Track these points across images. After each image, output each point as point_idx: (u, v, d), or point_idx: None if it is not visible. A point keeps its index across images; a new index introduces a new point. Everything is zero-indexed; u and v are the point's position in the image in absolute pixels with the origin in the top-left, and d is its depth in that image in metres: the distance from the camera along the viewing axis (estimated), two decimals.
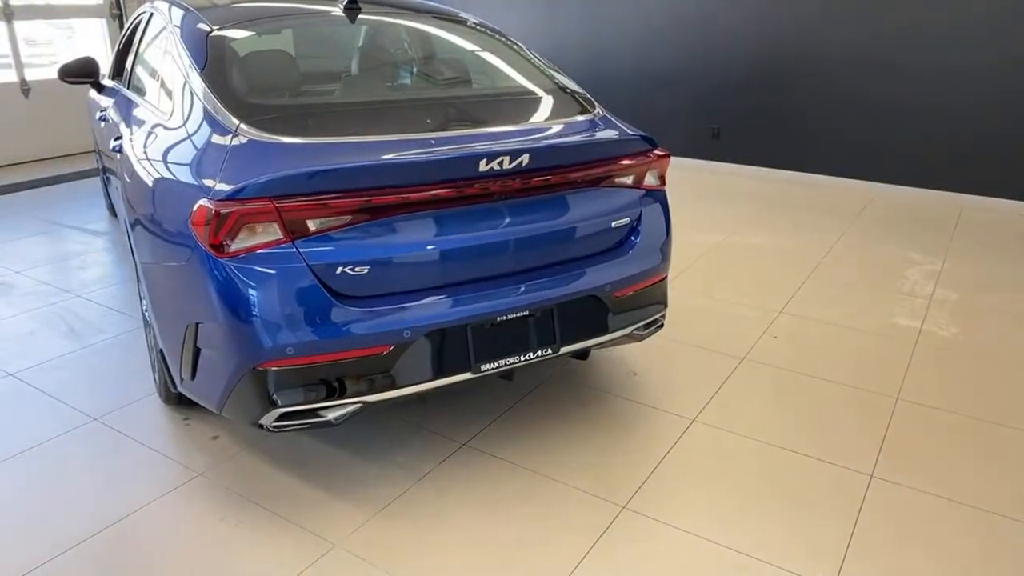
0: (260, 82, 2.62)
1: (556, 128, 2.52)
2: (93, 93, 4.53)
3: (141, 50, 3.43)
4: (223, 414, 2.29)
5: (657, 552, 2.16)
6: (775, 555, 2.14)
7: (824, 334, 3.57)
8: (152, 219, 2.39)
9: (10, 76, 6.65)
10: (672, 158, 6.82)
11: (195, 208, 2.06)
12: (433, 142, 2.24)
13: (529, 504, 2.35)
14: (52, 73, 6.80)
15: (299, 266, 2.06)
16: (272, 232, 2.04)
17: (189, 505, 2.34)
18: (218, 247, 2.04)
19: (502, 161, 2.19)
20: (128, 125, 2.96)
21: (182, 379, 2.42)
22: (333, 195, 2.05)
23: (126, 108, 3.19)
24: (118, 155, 2.92)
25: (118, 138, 2.97)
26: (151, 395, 2.95)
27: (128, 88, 3.47)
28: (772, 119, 6.36)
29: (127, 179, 2.67)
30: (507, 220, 2.29)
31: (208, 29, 2.75)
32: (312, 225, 2.06)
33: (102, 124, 3.81)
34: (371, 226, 2.11)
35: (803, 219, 5.38)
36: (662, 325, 2.79)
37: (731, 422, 2.82)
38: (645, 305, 2.65)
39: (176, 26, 2.87)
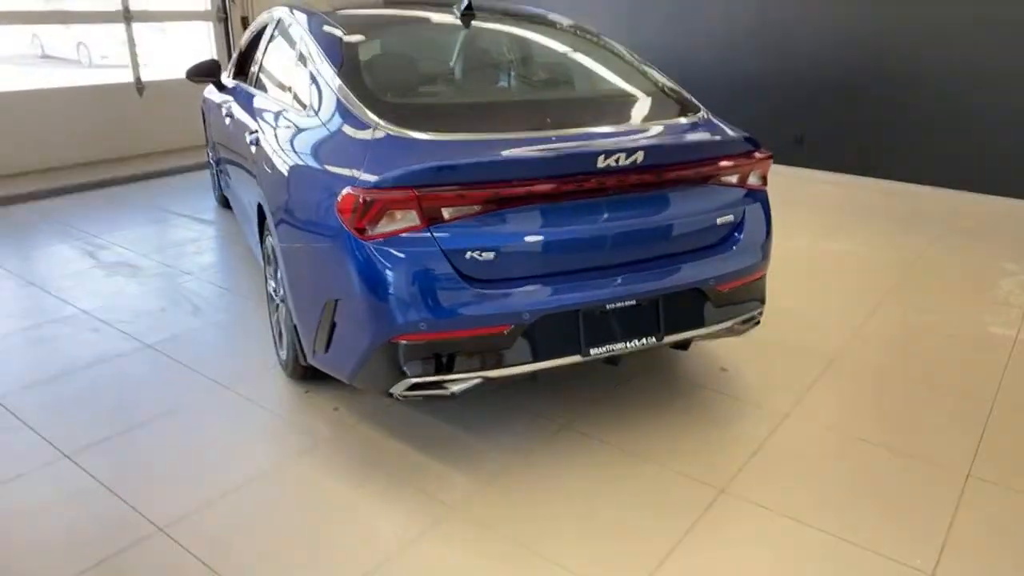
0: (390, 82, 2.84)
1: (666, 128, 2.66)
2: (212, 92, 4.88)
3: (270, 53, 3.71)
4: (355, 383, 2.51)
5: (754, 532, 2.27)
6: (870, 540, 2.23)
7: (915, 339, 3.59)
8: (295, 205, 2.63)
9: (127, 76, 7.15)
10: None
11: (342, 195, 2.28)
12: (553, 139, 2.41)
13: (632, 483, 2.49)
14: (161, 74, 7.29)
15: (433, 250, 2.25)
16: (410, 219, 2.24)
17: (314, 468, 2.56)
18: (362, 231, 2.26)
19: (618, 158, 2.34)
20: (263, 121, 3.22)
21: (314, 352, 2.65)
22: (466, 186, 2.24)
23: (258, 105, 3.47)
24: (254, 148, 3.19)
25: (253, 132, 3.24)
26: (274, 368, 3.20)
27: (256, 87, 3.76)
28: (856, 125, 6.32)
29: (266, 169, 2.93)
30: (619, 214, 2.44)
31: (341, 34, 3.00)
32: (446, 213, 2.25)
33: (227, 120, 4.12)
34: (498, 216, 2.29)
35: (890, 226, 5.35)
36: (759, 322, 2.89)
37: (824, 418, 2.89)
38: (745, 300, 2.76)
39: (309, 31, 3.12)
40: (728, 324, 2.72)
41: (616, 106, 2.92)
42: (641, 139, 2.50)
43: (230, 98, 4.25)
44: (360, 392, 2.97)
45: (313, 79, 2.88)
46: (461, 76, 3.18)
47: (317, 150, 2.60)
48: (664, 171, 2.47)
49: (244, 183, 3.61)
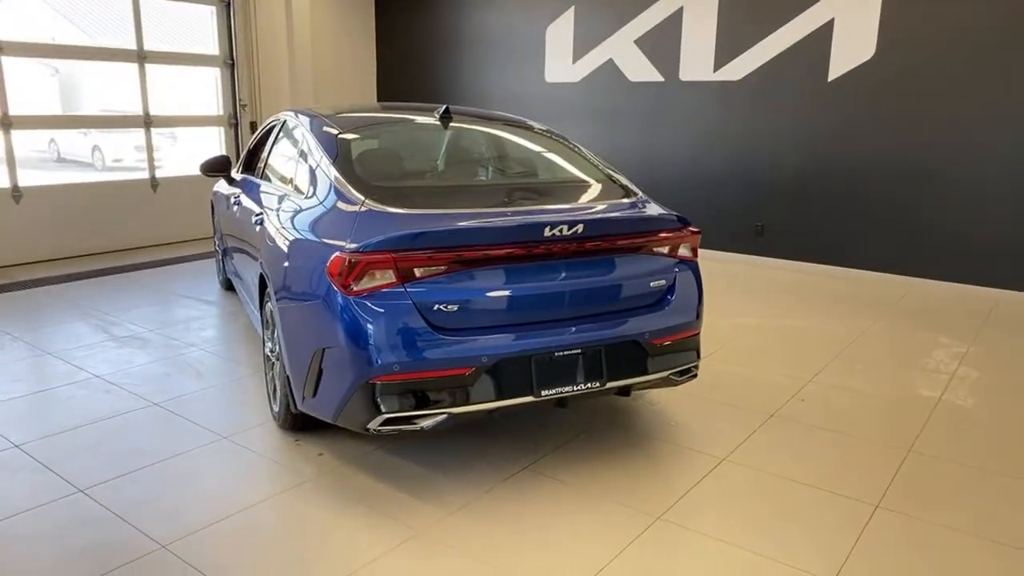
0: (376, 169, 3.39)
1: (605, 206, 3.17)
2: (222, 186, 5.46)
3: (276, 149, 4.29)
4: (338, 422, 2.89)
5: (685, 552, 2.60)
6: (786, 557, 2.56)
7: (848, 399, 3.98)
8: (292, 272, 3.09)
9: (144, 174, 7.81)
10: (717, 252, 7.40)
11: (331, 259, 2.75)
12: (508, 214, 2.91)
13: (578, 512, 2.83)
14: (173, 172, 7.94)
15: (407, 303, 2.70)
16: (388, 277, 2.70)
17: (300, 500, 2.90)
18: (347, 287, 2.71)
19: (561, 228, 2.83)
20: (268, 205, 3.74)
21: (304, 397, 3.04)
22: (434, 250, 2.71)
23: (264, 192, 4.00)
24: (258, 227, 3.69)
25: (258, 214, 3.76)
26: (267, 422, 3.57)
27: (262, 179, 4.31)
28: (813, 216, 6.91)
29: (269, 244, 3.42)
30: (565, 275, 2.91)
31: (336, 131, 3.56)
32: (418, 272, 2.71)
33: (234, 208, 4.66)
34: (461, 275, 2.75)
35: (840, 307, 5.82)
36: (695, 375, 3.30)
37: (756, 462, 3.25)
38: (679, 353, 3.18)
39: (311, 130, 3.69)
40: (664, 374, 3.13)
41: (566, 190, 3.46)
42: (582, 214, 3.00)
43: (238, 190, 4.81)
44: (342, 441, 3.33)
45: (312, 169, 3.41)
46: (436, 166, 3.75)
47: (312, 225, 3.09)
48: (601, 240, 2.96)
49: (248, 260, 4.10)
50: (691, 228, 3.25)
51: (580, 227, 2.86)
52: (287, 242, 3.21)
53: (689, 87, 7.46)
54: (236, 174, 5.20)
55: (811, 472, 3.17)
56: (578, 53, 8.15)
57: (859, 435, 3.54)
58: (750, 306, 5.83)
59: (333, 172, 3.21)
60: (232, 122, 8.48)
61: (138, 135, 7.76)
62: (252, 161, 5.12)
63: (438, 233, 2.73)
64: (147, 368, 4.33)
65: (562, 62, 8.29)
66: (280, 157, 4.15)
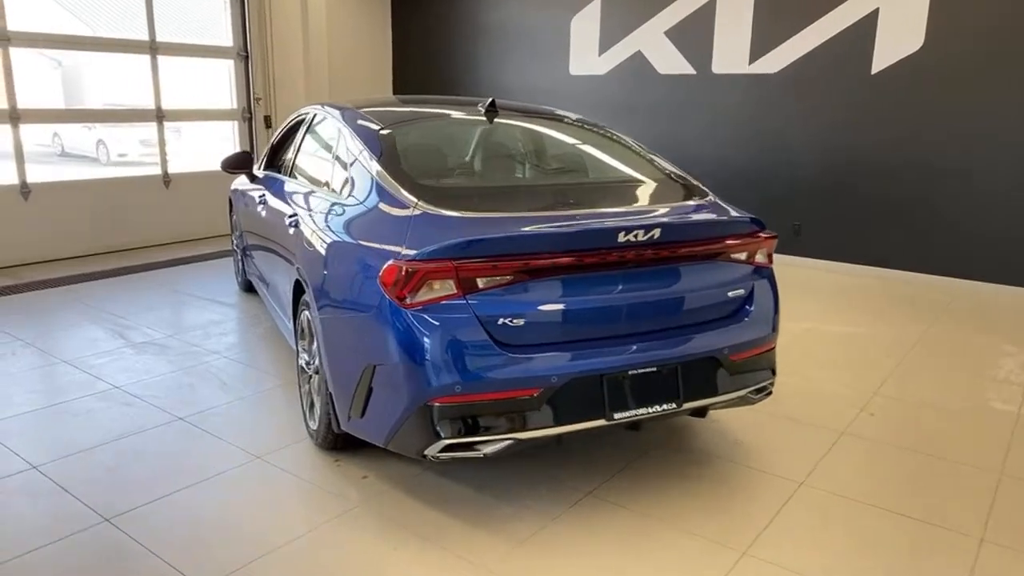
0: (425, 168, 3.12)
1: (676, 207, 2.89)
2: (242, 183, 5.19)
3: (306, 145, 4.02)
4: (390, 446, 2.63)
5: None
6: None
7: (921, 414, 3.72)
8: (336, 279, 2.82)
9: (155, 170, 7.54)
10: None
11: (384, 267, 2.48)
12: (577, 217, 2.64)
13: (655, 546, 2.57)
14: (185, 167, 7.67)
15: (469, 317, 2.43)
16: (448, 288, 2.44)
17: (348, 531, 2.64)
18: (402, 299, 2.44)
19: (637, 234, 2.56)
20: (303, 205, 3.47)
21: (349, 418, 2.78)
22: (499, 258, 2.44)
23: (297, 192, 3.73)
24: (292, 230, 3.42)
25: (292, 216, 3.49)
26: (302, 440, 3.31)
27: (291, 176, 4.04)
28: (853, 216, 6.64)
29: (307, 248, 3.15)
30: (639, 285, 2.64)
31: (377, 126, 3.29)
32: (480, 283, 2.45)
33: (259, 208, 4.39)
34: (528, 285, 2.48)
35: (889, 311, 5.55)
36: (771, 392, 3.03)
37: (839, 487, 2.99)
38: (757, 370, 2.91)
39: (347, 125, 3.42)
40: (742, 392, 2.86)
41: (630, 190, 3.18)
42: (656, 217, 2.73)
43: (262, 188, 4.54)
44: (388, 461, 3.07)
45: (353, 167, 3.14)
46: (486, 164, 3.46)
47: (358, 229, 2.82)
48: (678, 246, 2.69)
49: (278, 264, 3.83)
50: (767, 232, 2.98)
51: (657, 231, 2.59)
52: (330, 247, 2.95)
53: (722, 80, 7.18)
54: (258, 171, 4.93)
55: (901, 499, 2.90)
56: (604, 45, 7.87)
57: (941, 455, 3.27)
58: (795, 309, 5.55)
59: (378, 171, 2.94)
60: (246, 116, 8.21)
61: (143, 129, 7.49)
62: (276, 158, 4.86)
63: (503, 239, 2.47)
64: (168, 378, 4.07)
65: (587, 54, 8.01)
66: (312, 154, 3.88)
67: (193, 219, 7.73)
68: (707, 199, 3.05)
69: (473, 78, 8.95)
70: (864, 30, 6.33)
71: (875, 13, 6.27)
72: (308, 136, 4.05)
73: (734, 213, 2.95)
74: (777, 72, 6.84)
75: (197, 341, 4.69)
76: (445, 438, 2.45)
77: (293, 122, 4.60)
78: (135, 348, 4.53)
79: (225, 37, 7.98)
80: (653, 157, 3.49)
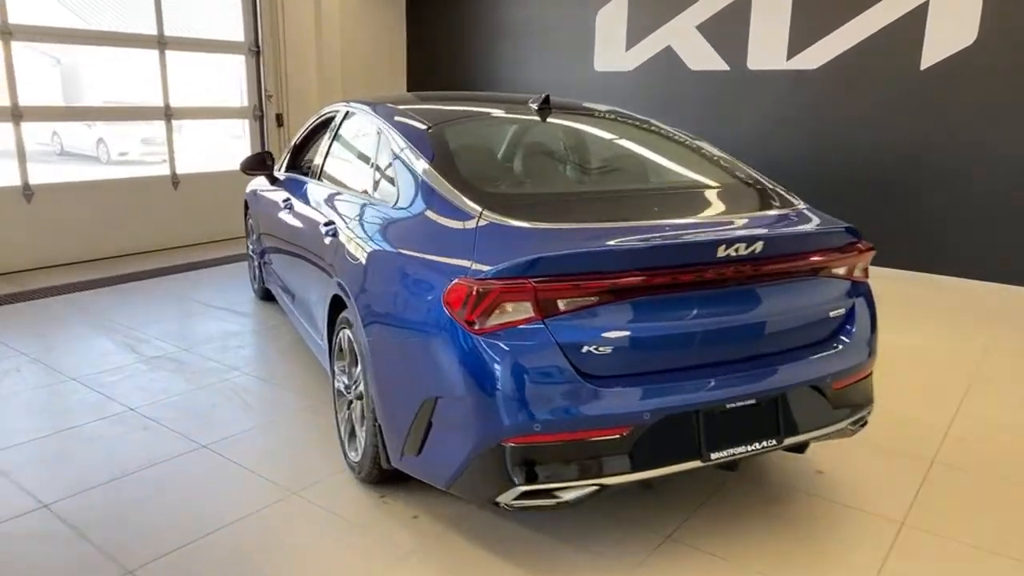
0: (484, 172, 2.79)
1: (774, 217, 2.57)
2: (260, 184, 4.87)
3: (339, 146, 3.69)
4: (453, 491, 2.31)
5: None
6: None
7: (1011, 438, 3.40)
8: (388, 297, 2.50)
9: (162, 170, 7.21)
10: None
11: (450, 286, 2.16)
12: (667, 228, 2.32)
13: None
14: (194, 167, 7.34)
15: (549, 344, 2.11)
16: (524, 310, 2.12)
17: None
18: (472, 323, 2.12)
19: (737, 248, 2.24)
20: (342, 213, 3.14)
21: (403, 455, 2.46)
22: (583, 276, 2.12)
23: (332, 198, 3.40)
24: (329, 239, 3.10)
25: (329, 224, 3.16)
26: (340, 472, 2.99)
27: (322, 180, 3.72)
28: (900, 219, 6.32)
29: (349, 261, 2.82)
30: (737, 306, 2.32)
31: (424, 126, 2.96)
32: (562, 304, 2.13)
33: (284, 213, 4.06)
34: (616, 307, 2.16)
35: (951, 321, 5.23)
36: (867, 422, 2.72)
37: (946, 528, 2.67)
38: (858, 398, 2.60)
39: (390, 124, 3.09)
40: (844, 424, 2.55)
41: (714, 197, 2.85)
42: (756, 229, 2.40)
43: (284, 190, 4.22)
44: (439, 497, 2.75)
45: (398, 170, 2.82)
46: (550, 167, 3.13)
47: (413, 240, 2.50)
48: (780, 262, 2.37)
49: (310, 275, 3.51)
50: (864, 243, 2.66)
51: (758, 245, 2.27)
52: (378, 260, 2.62)
53: (758, 77, 6.86)
54: (279, 172, 4.61)
55: (1014, 543, 2.58)
56: (632, 40, 7.54)
57: None
58: None
59: (431, 175, 2.62)
60: (257, 114, 7.88)
61: (144, 127, 7.18)
62: (299, 159, 4.54)
63: (588, 255, 2.15)
64: (187, 398, 3.74)
65: (614, 49, 7.68)
66: (345, 156, 3.56)
67: (203, 222, 7.40)
68: (799, 207, 2.72)
69: (492, 75, 8.63)
70: (913, 24, 6.01)
71: (924, 6, 5.95)
72: (339, 136, 3.73)
73: (832, 223, 2.63)
74: (818, 68, 6.51)
75: (215, 355, 4.36)
76: (521, 484, 2.13)
77: (319, 121, 4.28)
78: (148, 363, 4.21)
79: (236, 32, 7.65)
80: (732, 161, 3.17)
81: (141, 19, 6.81)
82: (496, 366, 2.10)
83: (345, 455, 3.02)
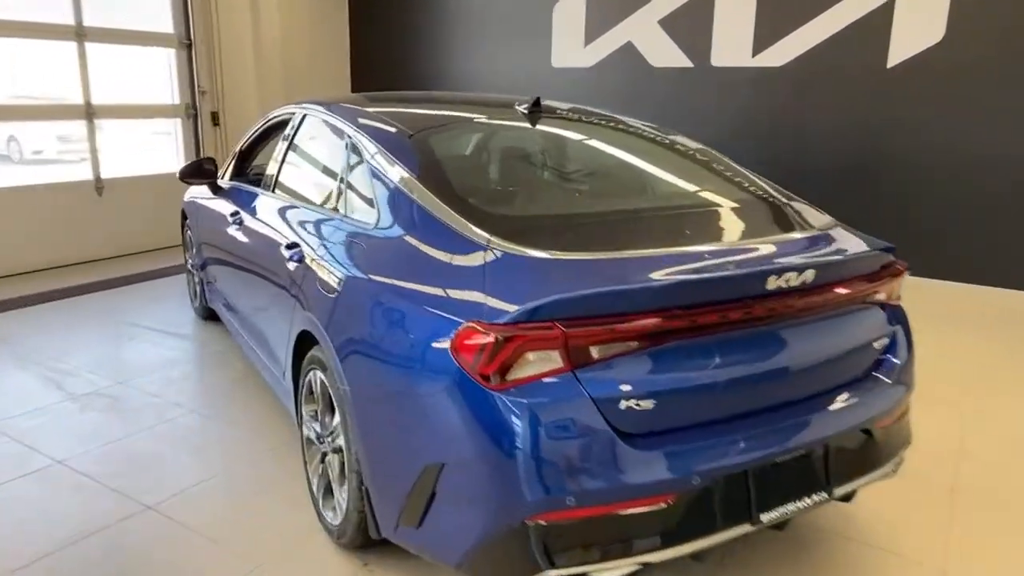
0: (484, 189, 2.42)
1: (816, 240, 2.28)
2: (202, 195, 4.37)
3: (298, 154, 3.26)
4: (462, 571, 1.95)
5: None
6: None
7: None
8: (376, 339, 2.11)
9: (86, 173, 6.55)
10: None
11: (460, 331, 1.80)
12: (708, 257, 2.00)
13: None
14: (120, 171, 6.69)
15: (581, 399, 1.77)
16: (551, 360, 1.77)
17: None
18: (488, 377, 1.77)
19: (789, 278, 1.94)
20: (308, 233, 2.72)
21: (398, 525, 2.09)
22: (621, 318, 1.79)
23: (290, 214, 2.98)
24: (293, 264, 2.68)
25: (293, 247, 2.73)
26: (314, 533, 2.59)
27: (277, 192, 3.28)
28: (866, 219, 6.21)
29: (321, 292, 2.42)
30: (784, 345, 2.03)
31: (404, 132, 2.58)
32: (595, 352, 1.79)
33: (231, 227, 3.60)
34: (657, 353, 1.84)
35: (952, 328, 5.11)
36: (904, 460, 2.48)
37: (991, 573, 2.46)
38: (902, 435, 2.35)
39: (361, 131, 2.69)
40: (889, 467, 2.29)
41: (745, 216, 2.53)
42: (804, 254, 2.12)
43: (233, 203, 3.75)
44: (433, 567, 2.38)
45: (379, 186, 2.42)
46: (557, 183, 2.75)
47: (404, 271, 2.12)
48: (828, 291, 2.09)
49: (268, 303, 3.07)
50: (900, 262, 2.41)
51: (811, 273, 1.98)
52: (363, 295, 2.22)
53: (722, 74, 6.66)
54: (223, 180, 4.13)
55: None
56: (591, 35, 7.25)
57: None
58: None
59: (422, 192, 2.24)
60: (191, 112, 7.26)
61: (61, 124, 6.53)
62: (245, 165, 4.07)
63: (628, 292, 1.81)
64: (126, 445, 3.25)
65: (572, 45, 7.38)
66: (307, 166, 3.14)
67: (132, 231, 6.76)
68: (834, 226, 2.45)
69: (442, 72, 8.21)
70: (879, 20, 5.90)
71: (891, 2, 5.84)
72: (296, 142, 3.29)
73: (872, 242, 2.36)
74: (783, 65, 6.35)
75: (155, 389, 3.86)
76: (549, 568, 1.79)
77: (269, 124, 3.83)
78: (78, 402, 3.68)
79: (164, 23, 7.01)
80: (747, 173, 2.89)
81: (56, 7, 6.13)
82: (517, 429, 1.75)
83: (320, 514, 2.61)
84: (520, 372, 1.77)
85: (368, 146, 2.59)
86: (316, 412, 2.60)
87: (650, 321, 1.80)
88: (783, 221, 2.49)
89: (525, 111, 2.86)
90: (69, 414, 3.55)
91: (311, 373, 2.57)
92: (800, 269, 1.96)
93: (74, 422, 3.46)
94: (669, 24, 6.81)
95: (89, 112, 6.43)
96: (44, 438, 3.29)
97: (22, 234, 6.04)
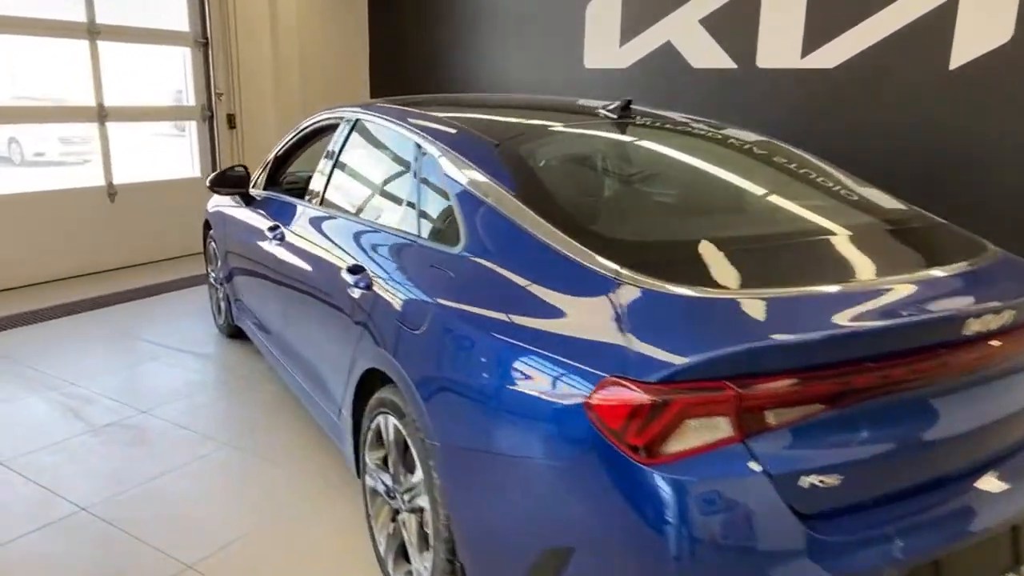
0: (595, 208, 2.08)
1: (995, 273, 1.93)
2: (228, 204, 4.03)
3: (350, 162, 2.92)
4: None
5: None
6: None
7: None
8: (480, 390, 1.76)
9: (93, 178, 6.20)
10: None
11: (600, 388, 1.46)
12: (886, 293, 1.66)
13: None
14: (132, 176, 6.35)
15: (755, 477, 1.43)
16: (718, 428, 1.43)
17: None
18: (637, 449, 1.43)
19: (988, 321, 1.61)
20: (371, 255, 2.38)
21: None
22: (804, 374, 1.45)
23: (348, 232, 2.63)
24: (358, 292, 2.33)
25: (356, 271, 2.39)
26: None
27: (323, 205, 2.94)
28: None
29: (400, 327, 2.07)
30: (976, 402, 1.70)
31: (491, 141, 2.24)
32: (772, 417, 1.45)
33: (271, 243, 3.26)
34: (844, 415, 1.51)
35: None
36: None
37: None
38: None
39: (433, 138, 2.36)
40: None
41: (909, 244, 2.12)
42: (995, 293, 1.77)
43: (269, 216, 3.41)
44: None
45: (465, 203, 2.08)
46: (677, 201, 2.31)
47: (512, 308, 1.77)
48: (1017, 334, 1.75)
49: (320, 330, 2.73)
50: None
51: (1009, 315, 1.65)
52: (460, 335, 1.87)
53: (769, 76, 6.32)
54: (256, 190, 3.80)
55: None
56: (627, 34, 6.91)
57: None
58: None
59: (523, 213, 1.91)
60: (206, 115, 6.92)
61: (64, 125, 6.20)
62: (280, 173, 3.74)
63: (814, 342, 1.47)
64: (156, 487, 2.91)
65: (606, 45, 7.04)
66: (366, 178, 2.81)
67: (145, 239, 6.42)
68: (996, 253, 2.10)
69: (467, 73, 7.88)
70: (941, 19, 5.56)
71: (954, 1, 5.51)
72: (349, 151, 2.95)
73: None
74: (836, 67, 6.02)
75: (183, 419, 3.52)
76: None
77: (310, 129, 3.49)
78: (99, 435, 3.34)
79: (180, 20, 6.67)
80: (879, 191, 2.55)
81: (67, 4, 5.79)
82: (676, 514, 1.41)
83: (387, 573, 2.27)
84: (680, 443, 1.43)
85: (444, 157, 2.25)
86: (385, 461, 2.26)
87: (839, 377, 1.46)
88: (949, 248, 2.14)
89: (616, 117, 2.52)
90: (91, 450, 3.20)
91: (380, 417, 2.23)
92: (996, 310, 1.62)
93: (97, 459, 3.12)
94: (711, 23, 6.48)
95: (101, 114, 6.08)
96: (65, 479, 2.95)
97: (31, 244, 5.70)
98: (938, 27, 5.59)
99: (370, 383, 2.31)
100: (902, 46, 5.74)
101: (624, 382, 1.44)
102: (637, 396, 1.41)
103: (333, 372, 2.62)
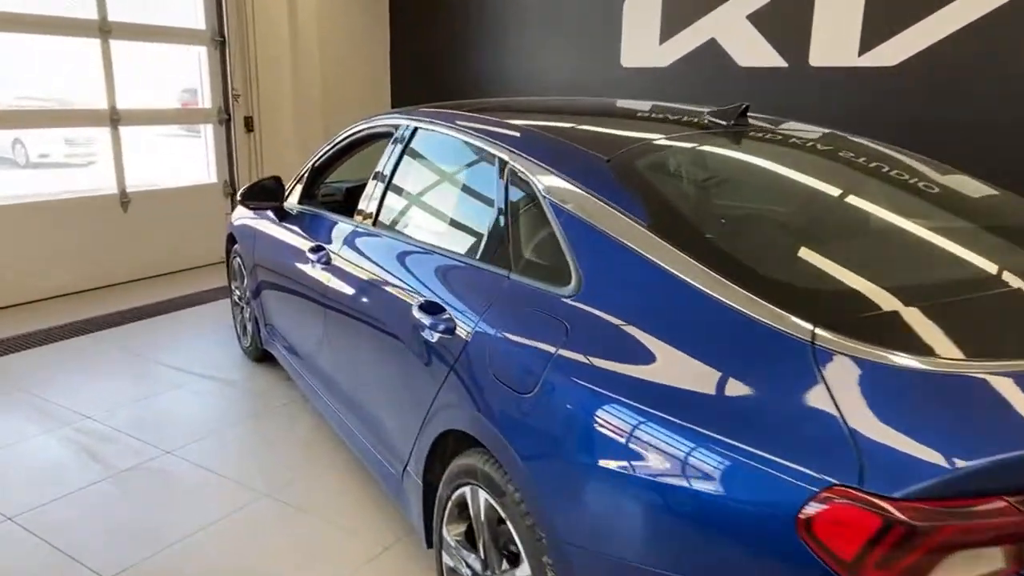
0: (758, 246, 1.67)
1: None
2: (256, 218, 3.66)
3: (410, 180, 2.54)
4: None
5: None
6: None
7: None
8: (635, 483, 1.37)
9: (105, 184, 5.84)
10: None
11: (827, 504, 1.08)
12: None
13: None
14: (146, 182, 5.99)
15: None
16: (989, 559, 1.05)
17: None
18: None
19: None
20: (455, 293, 2.00)
21: None
22: None
23: (418, 263, 2.24)
24: (440, 335, 1.95)
25: (434, 311, 2.00)
26: None
27: (376, 226, 2.57)
28: None
29: (501, 385, 1.69)
30: None
31: (600, 156, 1.86)
32: None
33: (314, 267, 2.88)
34: None
35: None
36: None
37: None
38: None
39: (524, 152, 1.98)
40: None
41: None
42: None
43: (309, 235, 3.04)
44: None
45: (577, 235, 1.70)
46: (842, 235, 1.81)
47: (661, 374, 1.39)
48: None
49: (381, 373, 2.35)
50: None
51: None
52: (586, 404, 1.48)
53: (823, 75, 5.94)
54: (291, 203, 3.42)
55: None
56: (668, 31, 6.53)
57: None
58: None
59: (665, 252, 1.52)
60: (223, 118, 6.55)
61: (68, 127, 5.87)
62: (317, 186, 3.37)
63: None
64: (189, 548, 2.54)
65: (645, 42, 6.66)
66: (436, 197, 2.43)
67: (159, 250, 6.07)
68: None
69: (494, 73, 7.50)
70: (1016, 13, 5.18)
71: None
72: (408, 164, 2.57)
73: None
74: (897, 65, 5.63)
75: (212, 461, 3.15)
76: None
77: (353, 137, 3.12)
78: (120, 484, 2.97)
79: (196, 17, 6.30)
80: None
81: (77, 1, 5.41)
82: None
83: None
84: None
85: (543, 176, 1.87)
86: (470, 538, 1.89)
87: None
88: None
89: (731, 125, 2.14)
90: (112, 502, 2.83)
91: (466, 488, 1.86)
92: None
93: (120, 514, 2.75)
94: (760, 19, 6.09)
95: (114, 118, 5.71)
96: (85, 541, 2.58)
97: (39, 256, 5.34)
98: (1013, 21, 5.20)
99: (449, 443, 1.94)
100: (972, 42, 5.36)
101: (859, 494, 1.07)
102: (884, 516, 1.04)
103: (397, 423, 2.25)
